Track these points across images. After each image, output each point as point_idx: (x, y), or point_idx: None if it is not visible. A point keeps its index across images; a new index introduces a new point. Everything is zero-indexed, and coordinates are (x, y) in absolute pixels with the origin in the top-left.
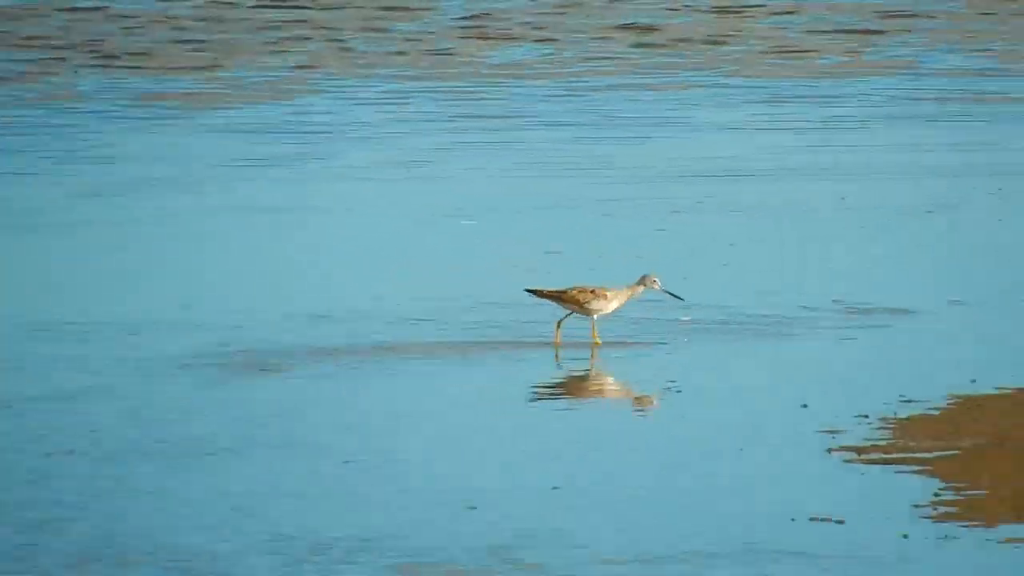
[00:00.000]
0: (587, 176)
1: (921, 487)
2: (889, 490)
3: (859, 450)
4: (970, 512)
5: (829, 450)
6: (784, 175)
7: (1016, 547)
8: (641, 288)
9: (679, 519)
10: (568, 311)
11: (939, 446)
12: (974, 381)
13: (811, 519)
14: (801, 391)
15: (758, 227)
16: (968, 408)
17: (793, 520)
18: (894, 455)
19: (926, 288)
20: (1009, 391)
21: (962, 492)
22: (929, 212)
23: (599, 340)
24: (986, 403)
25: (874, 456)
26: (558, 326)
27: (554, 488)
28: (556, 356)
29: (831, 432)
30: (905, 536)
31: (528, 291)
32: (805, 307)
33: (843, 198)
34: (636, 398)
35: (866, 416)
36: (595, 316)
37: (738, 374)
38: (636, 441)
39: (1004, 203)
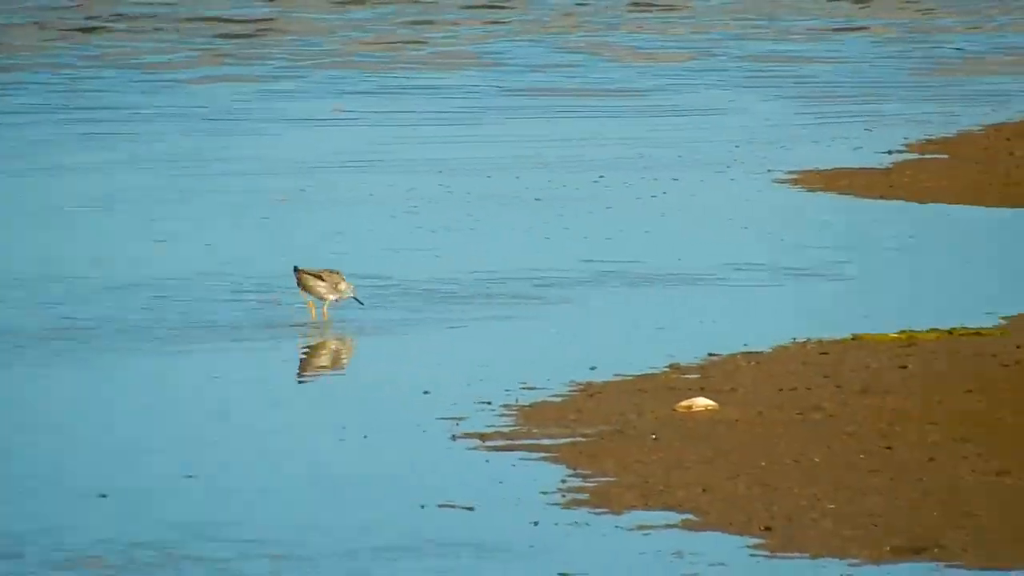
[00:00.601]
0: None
1: (548, 474)
2: (517, 477)
3: (483, 436)
4: (598, 499)
5: (453, 437)
6: (387, 167)
7: (645, 533)
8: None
9: (297, 510)
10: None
11: (564, 432)
12: (594, 368)
13: (440, 506)
14: (421, 378)
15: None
16: (589, 394)
17: (423, 507)
18: (519, 442)
19: (536, 277)
20: (628, 377)
21: (589, 479)
22: (537, 200)
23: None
24: (606, 389)
25: (499, 443)
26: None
27: (188, 477)
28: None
29: (454, 419)
30: (535, 523)
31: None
32: (407, 292)
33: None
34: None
35: (488, 403)
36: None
37: (354, 364)
38: (260, 432)
39: (604, 192)
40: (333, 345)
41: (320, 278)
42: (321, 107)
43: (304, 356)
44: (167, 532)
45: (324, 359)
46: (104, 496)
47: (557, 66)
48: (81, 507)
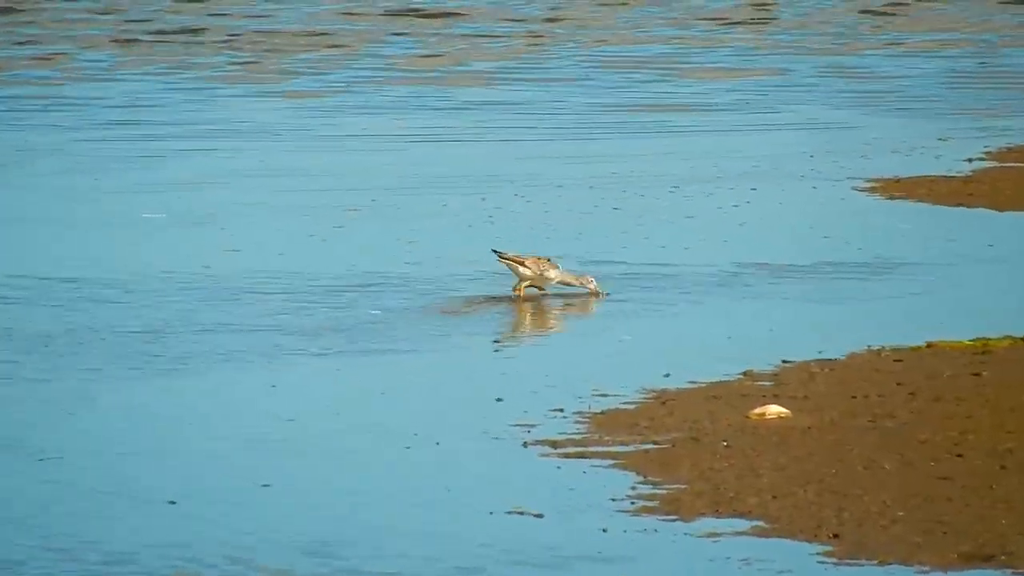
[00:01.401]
0: None
1: (618, 481)
2: (586, 484)
3: (555, 444)
4: (668, 506)
5: (525, 444)
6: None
7: (714, 541)
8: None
9: (376, 516)
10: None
11: (635, 440)
12: (667, 375)
13: (509, 513)
14: (494, 385)
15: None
16: (662, 402)
17: (491, 514)
18: (591, 449)
19: (616, 281)
20: (701, 384)
21: (659, 486)
22: (616, 209)
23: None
24: (680, 397)
25: (570, 450)
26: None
27: (264, 486)
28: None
29: (526, 426)
30: (604, 530)
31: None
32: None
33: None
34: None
35: (561, 410)
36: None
37: (427, 370)
38: (331, 440)
39: (683, 202)
40: (413, 352)
41: (523, 264)
42: (388, 123)
43: (375, 364)
44: (241, 538)
45: (399, 366)
46: (173, 503)
47: (635, 81)
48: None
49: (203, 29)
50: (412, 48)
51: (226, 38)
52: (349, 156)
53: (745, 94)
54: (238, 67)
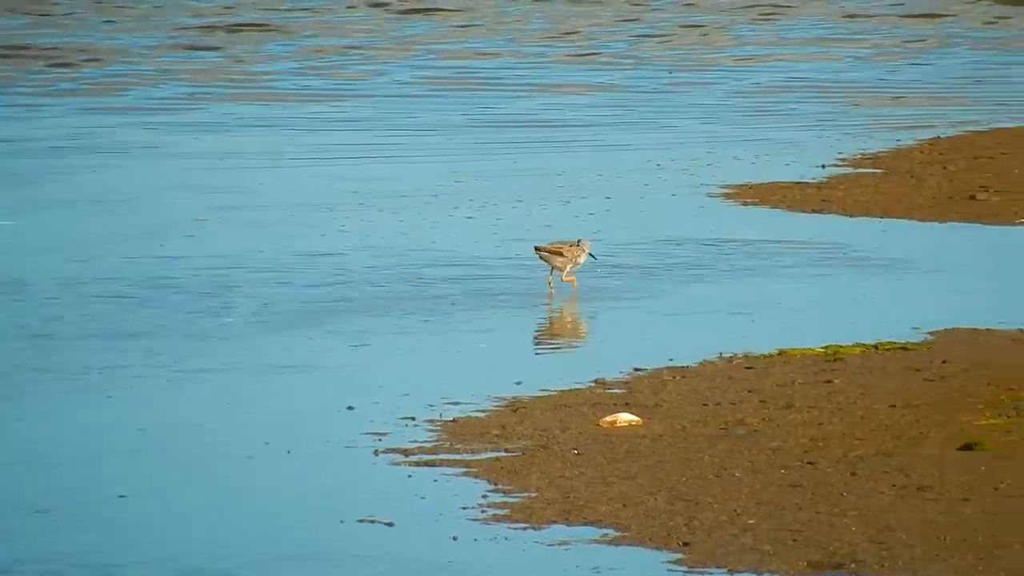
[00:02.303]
0: None
1: (469, 490)
2: (438, 493)
3: (406, 452)
4: (519, 514)
5: (376, 452)
6: None
7: (565, 549)
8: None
9: (227, 525)
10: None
11: (487, 448)
12: (519, 383)
13: (360, 521)
14: (346, 393)
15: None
16: (514, 410)
17: (342, 522)
18: (442, 457)
19: (463, 294)
20: (553, 393)
21: (510, 495)
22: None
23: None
24: (531, 405)
25: (421, 459)
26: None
27: (120, 496)
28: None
29: (377, 434)
30: (455, 539)
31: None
32: (318, 306)
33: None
34: None
35: (412, 418)
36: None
37: (278, 377)
38: (180, 451)
39: (540, 213)
40: (269, 358)
41: (560, 254)
42: (225, 142)
43: (225, 373)
44: (99, 549)
45: (250, 375)
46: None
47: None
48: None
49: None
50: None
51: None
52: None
53: (591, 110)
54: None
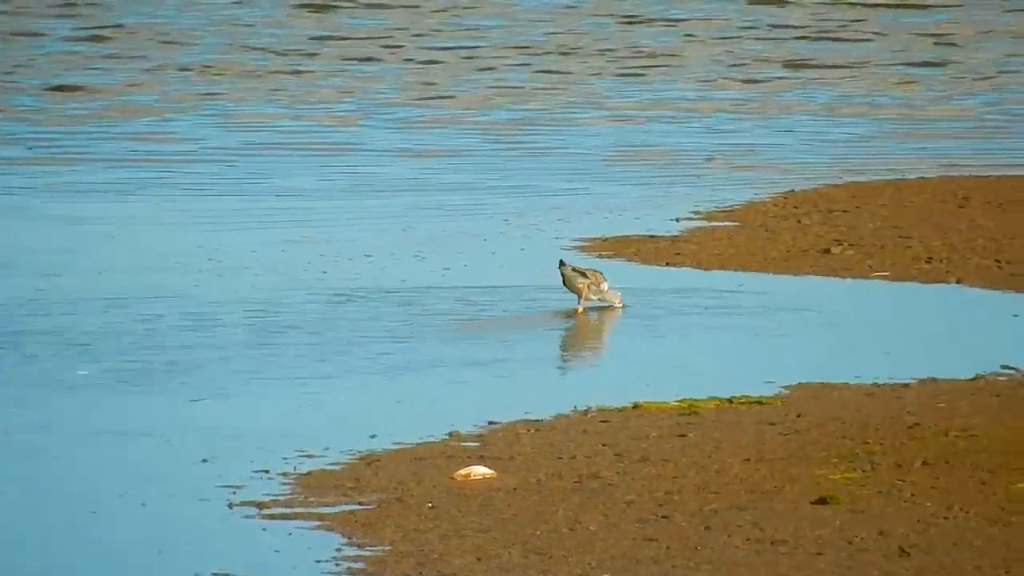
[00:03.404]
0: None
1: (324, 543)
2: (292, 546)
3: (260, 505)
4: (373, 567)
5: (230, 505)
6: None
7: None
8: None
9: (75, 573)
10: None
11: (341, 501)
12: (374, 436)
13: (214, 575)
14: (200, 445)
15: None
16: (368, 463)
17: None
18: (296, 510)
19: (321, 346)
20: (407, 446)
21: (365, 548)
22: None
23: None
24: (385, 458)
25: (275, 512)
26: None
27: None
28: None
29: (231, 487)
30: None
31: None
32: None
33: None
34: None
35: (266, 471)
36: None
37: (131, 430)
38: (26, 507)
39: (394, 268)
40: (122, 411)
41: (584, 275)
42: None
43: (82, 425)
44: None
45: (101, 427)
46: None
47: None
48: None
49: None
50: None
51: None
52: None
53: (423, 171)
54: None
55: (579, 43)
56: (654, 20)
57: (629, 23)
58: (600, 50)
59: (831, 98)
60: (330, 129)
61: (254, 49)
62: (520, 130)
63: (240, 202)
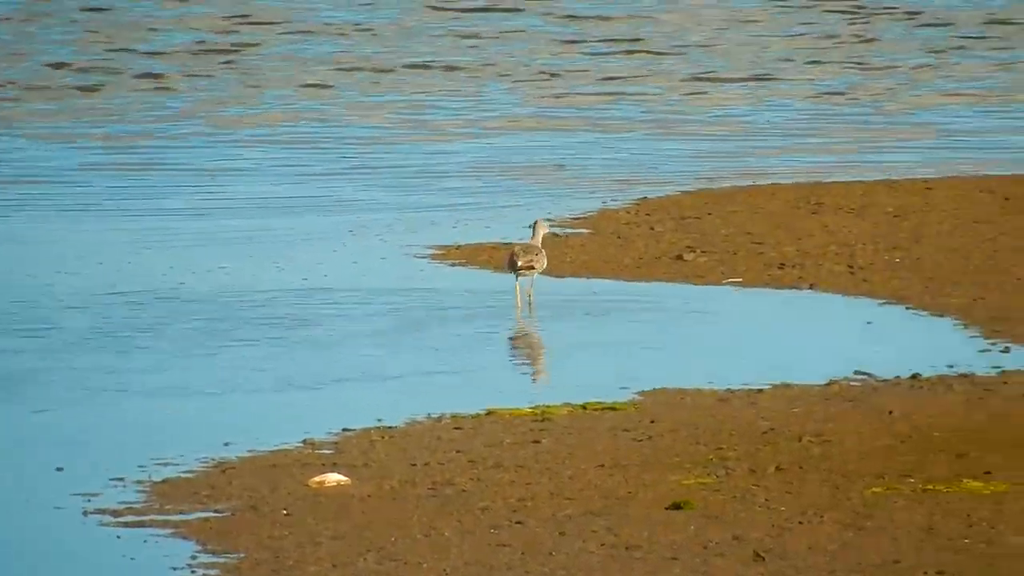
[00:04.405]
0: None
1: (179, 550)
2: (147, 554)
3: (115, 513)
4: (227, 574)
5: (85, 513)
6: None
7: None
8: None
9: None
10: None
11: (197, 508)
12: (228, 444)
13: None
14: (54, 453)
15: None
16: (223, 471)
17: None
18: (151, 518)
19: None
20: (262, 453)
21: (219, 555)
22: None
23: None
24: (240, 465)
25: (131, 519)
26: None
27: None
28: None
29: (86, 495)
30: None
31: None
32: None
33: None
34: None
35: (122, 479)
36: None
37: None
38: None
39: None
40: None
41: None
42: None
43: None
44: None
45: None
46: None
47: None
48: None
49: None
50: None
51: None
52: None
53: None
54: None
55: (426, 60)
56: (491, 35)
57: (470, 38)
58: (446, 66)
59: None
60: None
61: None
62: (369, 147)
63: (92, 222)
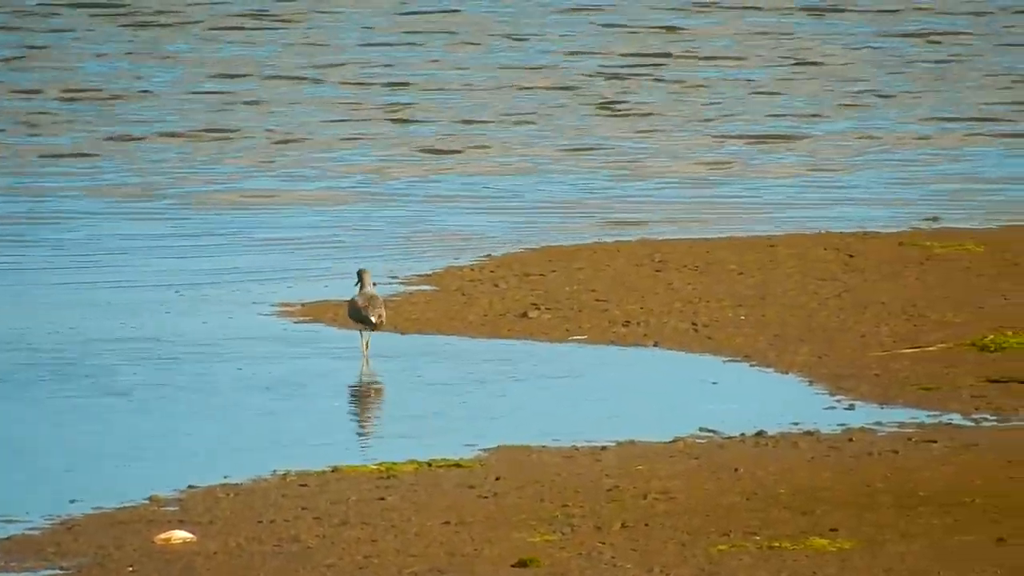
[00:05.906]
0: None
1: None
2: None
3: None
4: None
5: None
6: None
7: None
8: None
9: None
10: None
11: (42, 566)
12: (73, 501)
13: None
14: None
15: None
16: (68, 528)
17: None
18: None
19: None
20: (108, 510)
21: None
22: None
23: None
24: (86, 522)
25: None
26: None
27: None
28: None
29: None
30: None
31: None
32: None
33: None
34: None
35: None
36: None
37: None
38: None
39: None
40: None
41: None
42: None
43: None
44: None
45: None
46: None
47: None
48: None
49: None
50: None
51: None
52: None
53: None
54: None
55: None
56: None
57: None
58: (284, 140)
59: (532, 163)
60: None
61: None
62: (212, 207)
63: None
